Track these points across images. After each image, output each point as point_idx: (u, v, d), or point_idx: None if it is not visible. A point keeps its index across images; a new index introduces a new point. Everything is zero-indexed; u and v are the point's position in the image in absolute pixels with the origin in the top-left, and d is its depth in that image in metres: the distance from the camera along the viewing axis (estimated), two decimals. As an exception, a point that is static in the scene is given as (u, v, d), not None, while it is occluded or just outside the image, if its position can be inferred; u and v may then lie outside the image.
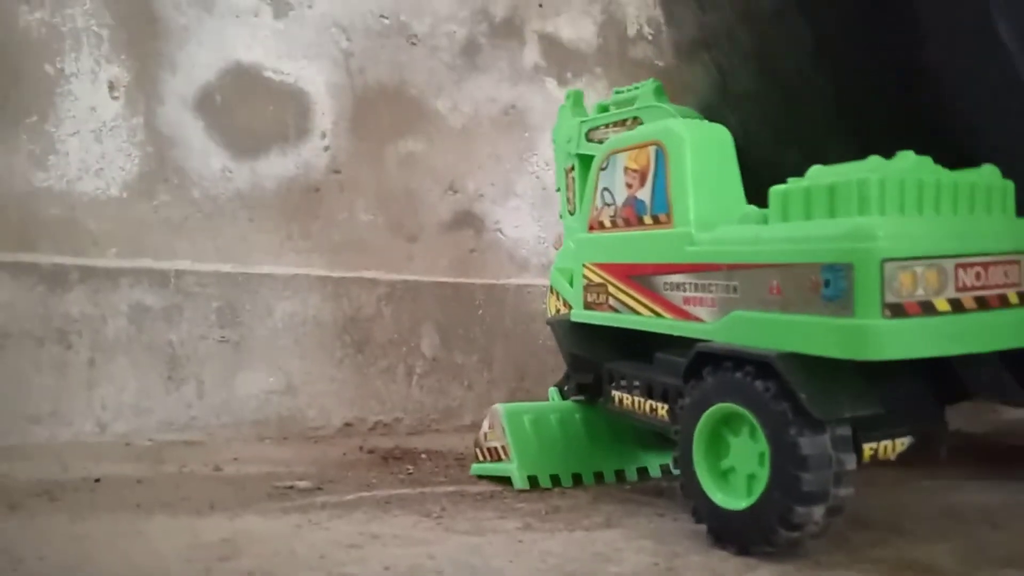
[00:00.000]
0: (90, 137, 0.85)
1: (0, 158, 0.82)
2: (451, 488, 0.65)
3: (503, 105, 1.04)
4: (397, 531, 0.51)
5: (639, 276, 0.57)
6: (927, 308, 0.42)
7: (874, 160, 0.46)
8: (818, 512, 0.44)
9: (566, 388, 0.70)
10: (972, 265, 0.44)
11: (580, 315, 0.63)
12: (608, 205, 0.61)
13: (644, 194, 0.57)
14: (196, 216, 0.89)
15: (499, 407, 0.67)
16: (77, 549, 0.46)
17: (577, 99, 0.77)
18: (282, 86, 0.92)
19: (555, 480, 0.65)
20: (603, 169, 0.62)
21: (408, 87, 0.99)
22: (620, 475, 0.67)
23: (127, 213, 0.86)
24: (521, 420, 0.66)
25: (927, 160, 0.47)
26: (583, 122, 0.74)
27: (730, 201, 0.54)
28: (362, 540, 0.49)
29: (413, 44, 0.99)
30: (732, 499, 0.48)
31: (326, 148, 0.95)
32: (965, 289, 0.44)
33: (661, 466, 0.69)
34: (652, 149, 0.57)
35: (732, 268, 0.49)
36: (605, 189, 0.61)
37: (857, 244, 0.42)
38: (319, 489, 0.63)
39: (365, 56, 0.96)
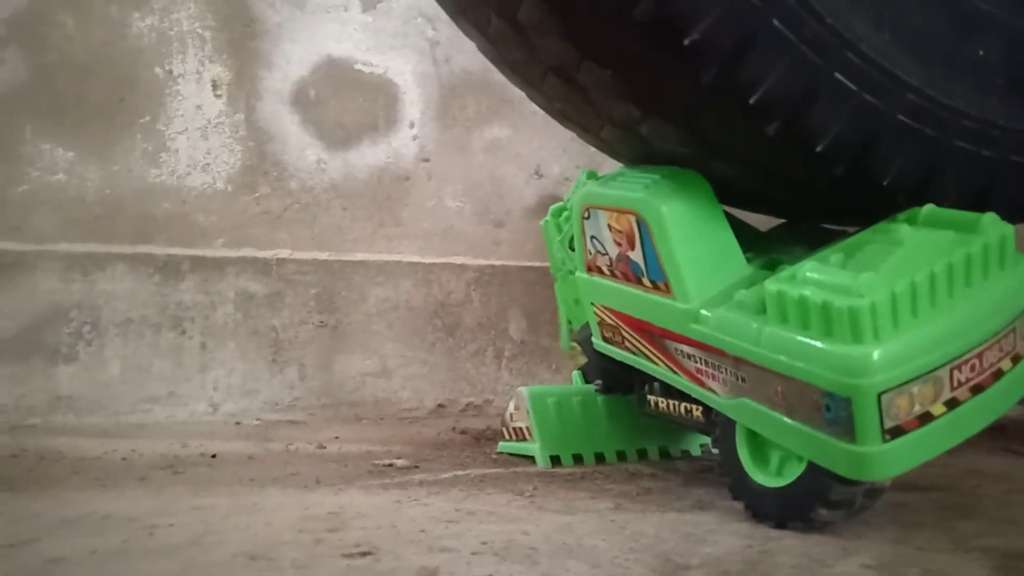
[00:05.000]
0: (197, 134, 0.90)
1: (119, 158, 0.89)
2: (541, 469, 0.66)
3: (587, 88, 1.04)
4: (491, 508, 0.53)
5: (650, 333, 0.55)
6: (924, 418, 0.42)
7: (871, 246, 0.46)
8: (858, 492, 0.45)
9: (598, 384, 0.70)
10: (967, 361, 0.43)
11: (601, 347, 0.62)
12: (601, 254, 0.58)
13: (636, 256, 0.54)
14: (294, 207, 0.93)
15: (524, 390, 0.70)
16: (200, 518, 0.49)
17: (591, 176, 0.72)
18: (371, 78, 0.95)
19: (577, 460, 0.68)
20: (586, 219, 0.58)
21: (492, 74, 1.00)
22: (642, 454, 0.69)
23: (231, 205, 0.91)
24: (545, 402, 0.68)
25: (925, 237, 0.45)
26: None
27: (726, 256, 0.52)
28: (459, 516, 0.51)
29: (497, 31, 1.00)
30: (771, 477, 0.48)
31: (414, 137, 0.97)
32: (960, 385, 0.43)
33: (681, 449, 0.71)
34: (632, 218, 0.53)
35: (738, 361, 0.47)
36: (593, 237, 0.58)
37: (853, 380, 0.41)
38: (416, 467, 0.66)
39: (450, 45, 0.98)
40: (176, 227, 0.89)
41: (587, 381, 0.71)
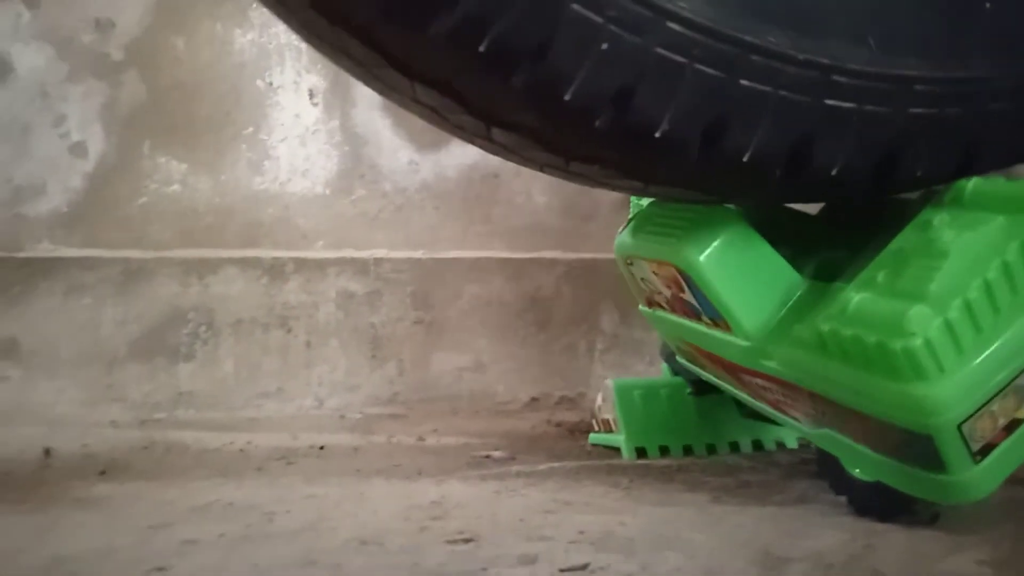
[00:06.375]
0: (296, 142, 0.95)
1: (227, 168, 0.94)
2: (638, 461, 0.66)
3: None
4: (588, 499, 0.54)
5: (723, 365, 0.53)
6: (1012, 426, 0.39)
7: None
8: None
9: (690, 388, 0.69)
10: None
11: (684, 362, 0.62)
12: (656, 292, 0.55)
13: (689, 298, 0.51)
14: (388, 208, 0.96)
15: (610, 382, 0.70)
16: (313, 506, 0.52)
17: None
18: (459, 80, 0.97)
19: (663, 451, 0.67)
20: (630, 265, 0.57)
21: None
22: (734, 447, 0.68)
23: (330, 208, 0.95)
24: (631, 394, 0.69)
25: (970, 240, 0.40)
26: None
27: (776, 280, 0.48)
28: (556, 506, 0.52)
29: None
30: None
31: (502, 135, 0.99)
32: None
33: (776, 441, 0.69)
34: (672, 268, 0.51)
35: (813, 395, 0.45)
36: (642, 279, 0.56)
37: (927, 420, 0.38)
38: (513, 459, 0.68)
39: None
40: (280, 231, 0.94)
41: (675, 373, 0.71)
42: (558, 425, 0.84)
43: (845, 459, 0.47)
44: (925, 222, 0.43)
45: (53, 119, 0.92)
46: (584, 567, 0.40)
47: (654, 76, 0.38)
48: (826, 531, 0.46)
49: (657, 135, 0.39)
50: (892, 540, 0.44)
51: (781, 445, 0.70)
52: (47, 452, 0.69)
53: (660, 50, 0.37)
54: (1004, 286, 0.39)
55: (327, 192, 0.95)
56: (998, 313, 0.39)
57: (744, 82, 0.39)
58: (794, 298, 0.47)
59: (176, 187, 0.94)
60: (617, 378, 0.73)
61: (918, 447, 0.40)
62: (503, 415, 0.91)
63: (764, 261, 0.48)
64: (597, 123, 0.38)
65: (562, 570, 0.40)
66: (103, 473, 0.62)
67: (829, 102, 0.40)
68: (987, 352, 0.38)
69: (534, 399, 0.96)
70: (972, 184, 0.44)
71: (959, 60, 0.43)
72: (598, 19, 0.36)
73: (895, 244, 0.44)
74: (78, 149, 0.93)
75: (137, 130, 0.93)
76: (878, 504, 0.47)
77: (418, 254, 0.95)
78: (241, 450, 0.72)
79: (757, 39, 0.39)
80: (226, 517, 0.50)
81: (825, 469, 0.51)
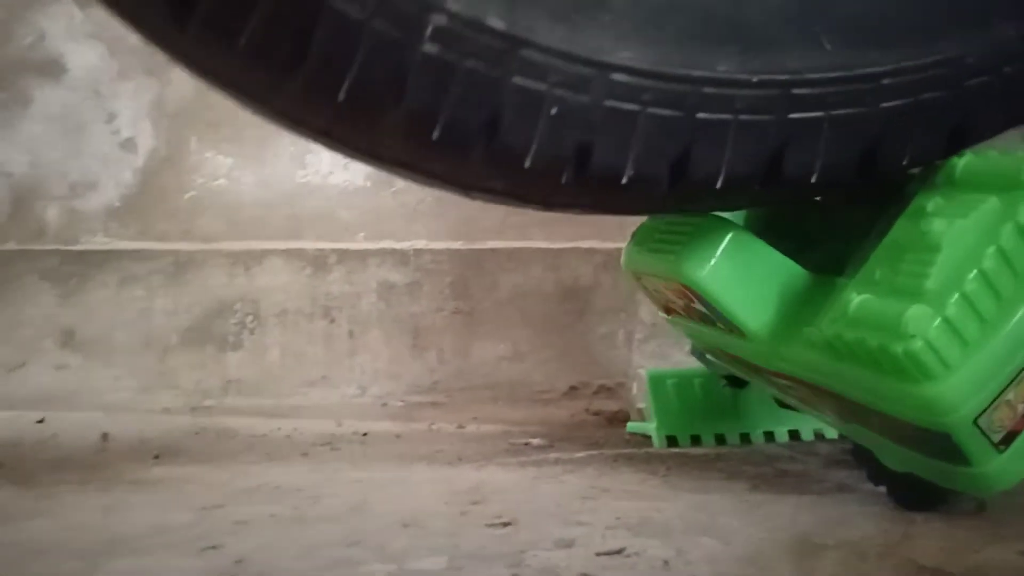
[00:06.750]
0: (338, 136, 0.97)
1: (270, 161, 0.97)
2: (675, 450, 0.67)
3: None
4: (625, 486, 0.55)
5: (747, 365, 0.52)
6: None
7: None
8: None
9: (723, 380, 0.69)
10: None
11: (713, 359, 0.61)
12: (670, 302, 0.55)
13: (700, 307, 0.50)
14: (427, 200, 0.97)
15: (644, 372, 0.71)
16: (358, 491, 0.54)
17: None
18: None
19: (695, 440, 0.67)
20: (639, 278, 0.57)
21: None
22: (769, 437, 0.68)
23: (371, 201, 0.97)
24: (664, 383, 0.69)
25: (961, 227, 0.38)
26: None
27: (781, 281, 0.47)
28: (594, 493, 0.53)
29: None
30: None
31: (540, 126, 0.99)
32: None
33: (815, 431, 0.68)
34: (677, 282, 0.50)
35: (834, 394, 0.45)
36: (655, 290, 0.56)
37: (940, 419, 0.38)
38: (551, 446, 0.69)
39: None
40: (322, 223, 0.96)
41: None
42: (596, 414, 0.84)
43: (877, 452, 0.47)
44: (919, 208, 0.42)
45: (105, 116, 0.96)
46: (620, 551, 0.41)
47: (608, 129, 0.37)
48: (864, 520, 0.46)
49: (624, 181, 0.39)
50: (931, 529, 0.44)
51: (820, 436, 0.69)
52: (104, 436, 0.72)
53: (609, 103, 0.37)
54: (1003, 272, 0.38)
55: (368, 184, 0.97)
56: (1001, 300, 0.38)
57: (702, 115, 0.38)
58: (802, 296, 0.46)
59: (222, 181, 0.97)
60: (654, 368, 0.74)
61: (938, 443, 0.40)
62: (542, 403, 0.92)
63: (767, 265, 0.47)
64: (563, 180, 0.39)
65: (598, 554, 0.40)
66: (157, 457, 0.65)
67: (794, 116, 0.40)
68: (994, 342, 0.37)
69: (572, 388, 0.96)
70: (963, 162, 0.42)
71: (925, 45, 0.41)
72: (542, 87, 0.36)
73: (892, 236, 0.43)
74: (129, 145, 0.96)
75: (184, 126, 0.96)
76: (915, 495, 0.47)
77: (457, 245, 0.97)
78: (287, 436, 0.74)
79: (706, 71, 0.38)
80: (274, 499, 0.52)
81: (861, 460, 0.51)
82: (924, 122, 0.42)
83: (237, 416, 0.82)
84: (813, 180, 0.41)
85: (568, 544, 0.42)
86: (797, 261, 0.48)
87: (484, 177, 0.40)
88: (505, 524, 0.45)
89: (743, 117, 0.39)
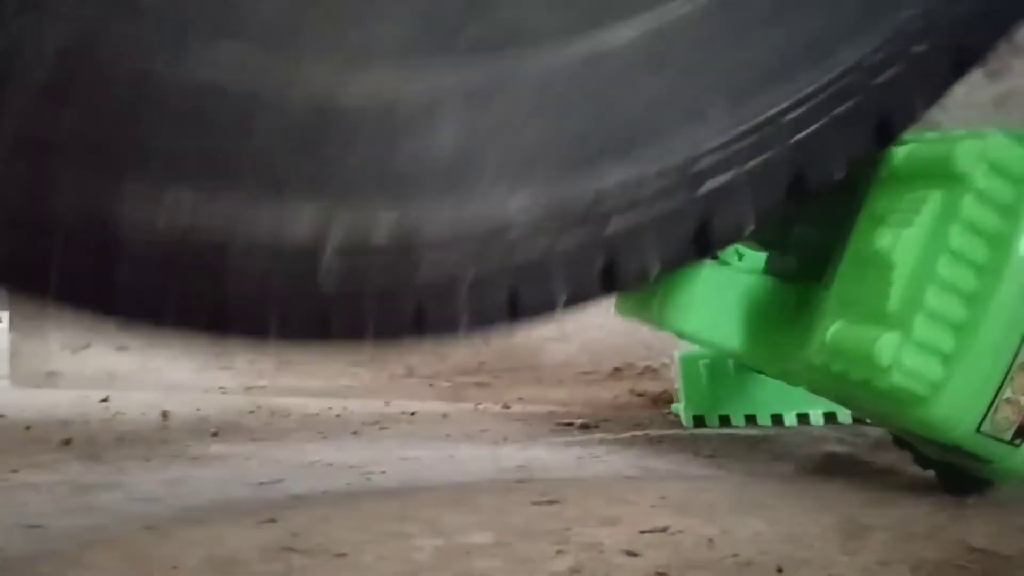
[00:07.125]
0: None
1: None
2: (721, 431, 0.67)
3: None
4: (670, 466, 0.55)
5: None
6: None
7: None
8: None
9: None
10: None
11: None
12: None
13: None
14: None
15: (676, 353, 0.71)
16: (407, 467, 0.56)
17: None
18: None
19: (724, 421, 0.68)
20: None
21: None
22: (802, 419, 0.68)
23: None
24: (696, 365, 0.69)
25: (908, 237, 0.37)
26: None
27: (763, 307, 0.47)
28: (638, 472, 0.54)
29: None
30: None
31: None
32: None
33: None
34: None
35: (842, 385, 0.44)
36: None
37: (942, 435, 0.37)
38: (596, 427, 0.69)
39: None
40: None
41: None
42: (641, 395, 0.85)
43: (916, 444, 0.47)
44: (871, 212, 0.41)
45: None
46: (664, 529, 0.41)
47: (528, 282, 0.37)
48: (912, 501, 0.46)
49: (560, 307, 0.39)
50: (982, 511, 0.43)
51: (859, 419, 0.69)
52: (164, 415, 0.75)
53: (520, 259, 0.37)
54: (962, 273, 0.36)
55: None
56: (968, 300, 0.36)
57: (612, 229, 0.38)
58: (790, 313, 0.46)
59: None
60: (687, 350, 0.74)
61: (954, 448, 0.40)
62: (586, 384, 0.93)
63: (748, 295, 0.47)
64: (505, 323, 0.39)
65: (642, 531, 0.41)
66: (215, 434, 0.68)
67: (706, 187, 0.38)
68: (974, 345, 0.36)
69: (617, 369, 0.97)
70: (903, 155, 0.40)
71: (824, 64, 0.39)
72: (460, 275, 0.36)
73: (852, 245, 0.42)
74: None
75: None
76: (967, 479, 0.46)
77: (502, 228, 0.97)
78: (338, 415, 0.76)
79: (597, 182, 0.37)
80: (328, 475, 0.54)
81: (902, 445, 0.50)
82: (847, 132, 0.40)
83: (290, 396, 0.85)
84: (750, 229, 0.40)
85: (613, 522, 0.42)
86: (780, 260, 0.48)
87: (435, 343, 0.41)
88: (551, 502, 0.46)
89: (655, 211, 0.38)
